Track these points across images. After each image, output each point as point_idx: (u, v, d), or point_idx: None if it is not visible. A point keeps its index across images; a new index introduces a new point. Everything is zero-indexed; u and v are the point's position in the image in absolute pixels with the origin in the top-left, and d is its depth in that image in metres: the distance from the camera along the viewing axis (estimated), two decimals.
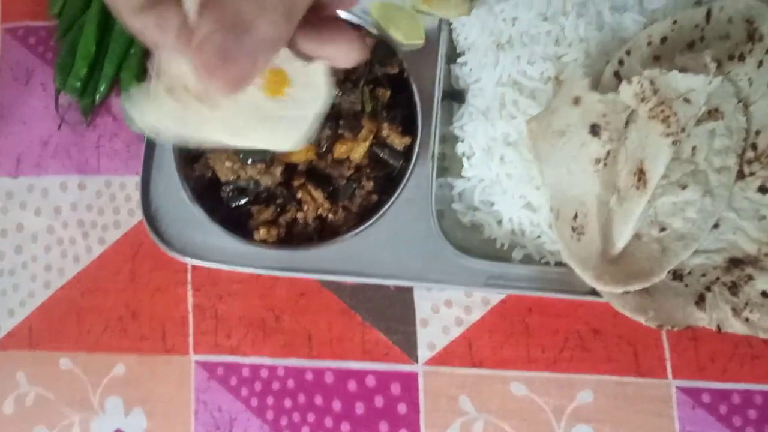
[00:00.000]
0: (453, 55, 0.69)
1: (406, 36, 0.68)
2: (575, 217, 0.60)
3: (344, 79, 0.66)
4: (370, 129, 0.65)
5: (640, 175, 0.57)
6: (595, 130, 0.58)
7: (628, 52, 0.59)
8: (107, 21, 0.76)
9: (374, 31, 0.68)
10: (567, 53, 0.62)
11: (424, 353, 0.68)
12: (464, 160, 0.67)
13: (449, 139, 0.69)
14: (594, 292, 0.60)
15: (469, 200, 0.67)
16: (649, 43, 0.59)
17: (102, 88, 0.76)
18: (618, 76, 0.59)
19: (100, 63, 0.76)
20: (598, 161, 0.59)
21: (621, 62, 0.59)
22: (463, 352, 0.67)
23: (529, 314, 0.67)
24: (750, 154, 0.58)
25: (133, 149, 0.76)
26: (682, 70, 0.57)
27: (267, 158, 0.64)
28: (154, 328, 0.72)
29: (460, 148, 0.68)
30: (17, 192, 0.77)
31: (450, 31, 0.68)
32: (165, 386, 0.71)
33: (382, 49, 0.68)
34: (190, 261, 0.68)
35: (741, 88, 0.58)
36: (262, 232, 0.66)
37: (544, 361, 0.66)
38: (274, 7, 0.33)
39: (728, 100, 0.58)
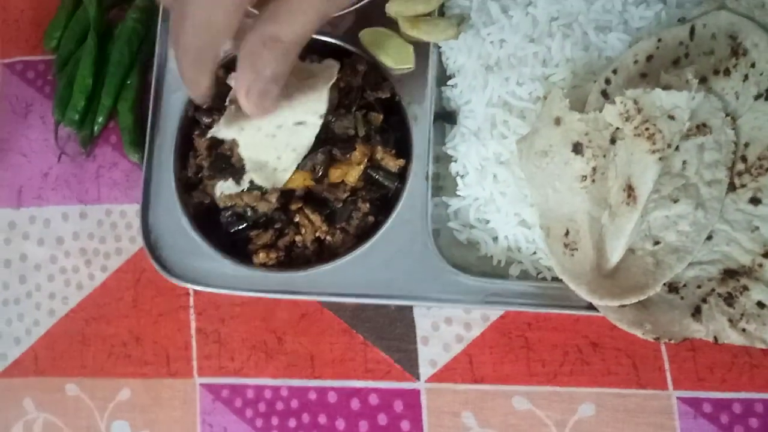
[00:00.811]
0: (443, 78, 0.70)
1: (396, 61, 0.69)
2: (566, 233, 0.61)
3: (338, 104, 0.67)
4: (363, 152, 0.66)
5: (630, 191, 0.58)
6: (577, 148, 0.59)
7: (614, 71, 0.61)
8: (103, 54, 0.78)
9: (365, 57, 0.69)
10: (554, 73, 0.63)
11: (425, 370, 0.68)
12: (458, 179, 0.68)
13: (443, 159, 0.70)
14: (591, 307, 0.60)
15: (464, 218, 0.68)
16: (636, 62, 0.60)
17: (100, 120, 0.77)
18: (605, 95, 0.60)
19: (98, 95, 0.77)
20: (584, 178, 0.60)
21: (608, 81, 0.60)
22: (465, 368, 0.68)
23: (528, 329, 0.67)
24: (740, 166, 0.59)
25: (132, 178, 0.77)
26: (666, 87, 0.58)
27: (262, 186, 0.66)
28: (158, 352, 0.73)
29: (454, 167, 0.68)
30: (20, 223, 0.78)
31: (439, 54, 0.69)
32: (170, 409, 0.72)
33: (374, 74, 0.69)
34: (191, 287, 0.69)
35: (728, 102, 0.59)
36: (261, 256, 0.67)
37: (544, 375, 0.66)
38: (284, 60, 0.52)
39: (716, 114, 0.59)
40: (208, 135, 0.67)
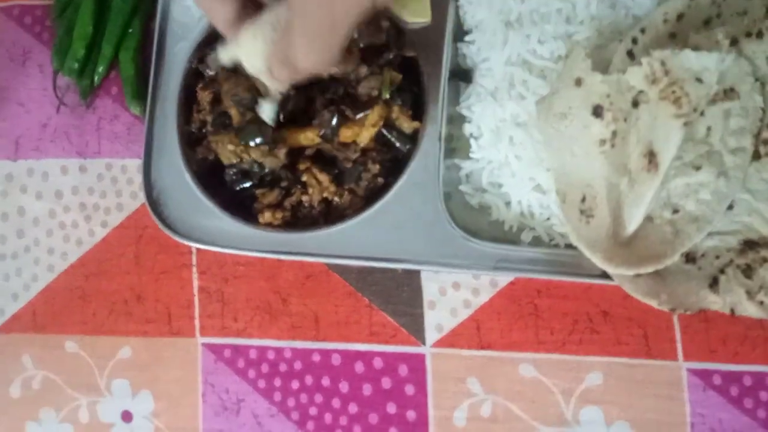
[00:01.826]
0: (460, 33, 0.67)
1: (412, 13, 0.65)
2: (583, 199, 0.59)
3: (369, 62, 0.63)
4: (381, 114, 0.63)
5: (651, 157, 0.56)
6: (597, 111, 0.57)
7: (642, 30, 0.58)
8: (104, 1, 0.74)
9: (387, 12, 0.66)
10: (578, 32, 0.60)
11: (431, 335, 0.67)
12: (472, 141, 0.65)
13: (456, 120, 0.67)
14: (605, 275, 0.59)
15: (477, 182, 0.66)
16: (665, 21, 0.58)
17: (101, 69, 0.74)
18: (631, 56, 0.58)
19: (98, 43, 0.74)
20: (603, 142, 0.57)
21: (635, 41, 0.58)
22: (471, 334, 0.67)
23: (538, 296, 0.66)
24: (766, 134, 0.57)
25: (134, 131, 0.74)
26: (695, 48, 0.55)
27: (269, 140, 0.63)
28: (159, 311, 0.71)
29: (468, 128, 0.66)
30: (17, 175, 0.76)
31: (456, 8, 0.66)
32: (172, 369, 0.71)
33: (395, 31, 0.66)
34: (194, 245, 0.67)
35: (758, 66, 0.56)
36: (266, 215, 0.65)
37: (553, 344, 0.65)
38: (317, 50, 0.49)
39: (744, 79, 0.56)
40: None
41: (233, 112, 0.64)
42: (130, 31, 0.74)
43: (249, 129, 0.63)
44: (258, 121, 0.63)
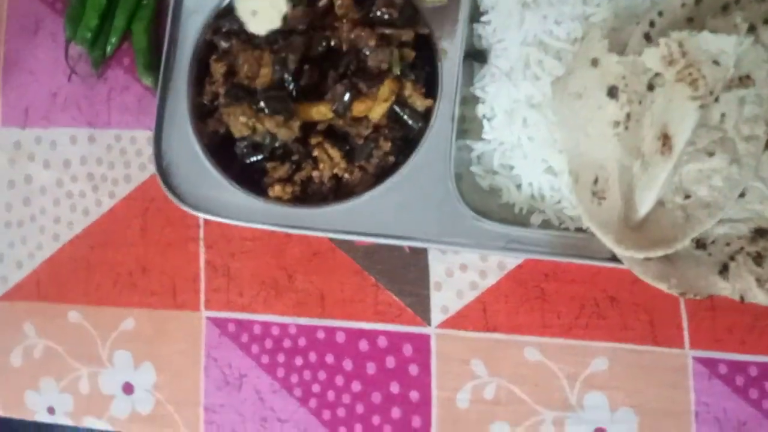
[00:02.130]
0: (476, 14, 0.67)
1: None
2: (596, 181, 0.59)
3: (380, 35, 0.63)
4: (392, 89, 0.63)
5: (665, 140, 0.55)
6: (612, 92, 0.57)
7: (660, 14, 0.57)
8: None
9: None
10: (595, 13, 0.60)
11: (437, 316, 0.67)
12: (485, 122, 0.65)
13: (469, 101, 0.67)
14: (614, 259, 0.58)
15: (488, 163, 0.66)
16: (683, 5, 0.57)
17: (113, 40, 0.74)
18: (648, 38, 0.57)
19: (112, 14, 0.74)
20: (617, 124, 0.57)
21: (652, 24, 0.57)
22: (477, 316, 0.66)
23: (545, 280, 0.66)
24: None
25: (144, 103, 0.74)
26: (712, 31, 0.55)
27: (290, 109, 0.62)
28: (164, 283, 0.71)
29: (481, 109, 0.66)
30: (25, 143, 0.76)
31: None
32: (175, 342, 0.70)
33: (409, 8, 0.65)
34: (203, 216, 0.67)
35: None
36: (276, 189, 0.65)
37: (559, 328, 0.65)
38: None
39: (761, 66, 0.56)
40: None
41: (264, 71, 0.63)
42: (144, 2, 0.74)
43: (273, 98, 0.63)
44: (278, 91, 0.63)
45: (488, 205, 0.66)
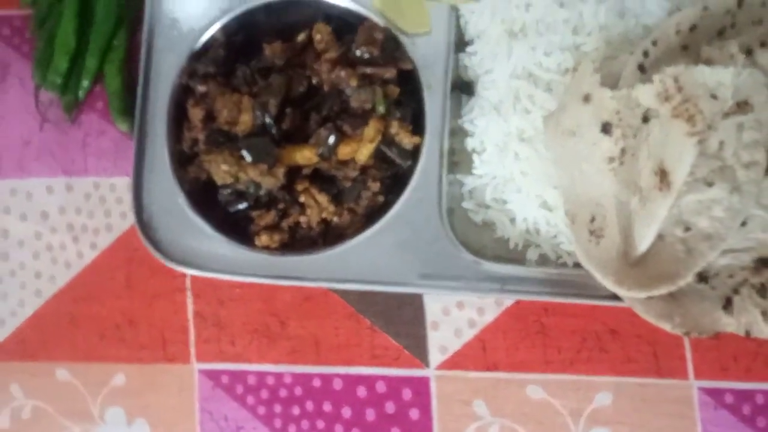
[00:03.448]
0: (461, 44, 0.64)
1: (411, 24, 0.63)
2: (592, 219, 0.57)
3: (361, 74, 0.61)
4: (378, 129, 0.61)
5: (663, 175, 0.54)
6: (606, 128, 0.55)
7: (654, 43, 0.55)
8: (87, 8, 0.71)
9: (380, 22, 0.63)
10: (586, 42, 0.58)
11: (435, 357, 0.65)
12: (474, 156, 0.63)
13: (458, 133, 0.65)
14: (614, 297, 0.57)
15: (480, 198, 0.64)
16: (678, 32, 0.55)
17: (85, 84, 0.71)
18: (642, 69, 0.55)
19: (82, 56, 0.71)
20: (612, 160, 0.56)
21: (646, 54, 0.55)
22: (477, 355, 0.65)
23: (544, 314, 0.64)
24: None
25: (122, 147, 0.71)
26: (708, 62, 0.53)
27: (273, 157, 0.60)
28: (153, 336, 0.69)
29: (470, 143, 0.64)
30: (0, 196, 0.73)
31: (458, 18, 0.64)
32: (167, 396, 0.68)
33: (391, 43, 0.63)
34: (188, 271, 0.64)
35: None
36: (263, 238, 0.63)
37: (560, 363, 0.64)
38: None
39: (759, 90, 0.54)
40: None
41: (244, 118, 0.61)
42: (115, 43, 0.71)
43: (256, 145, 0.61)
44: (260, 137, 0.61)
45: (482, 240, 0.64)
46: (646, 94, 0.52)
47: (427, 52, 0.63)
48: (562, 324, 0.64)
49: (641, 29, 0.58)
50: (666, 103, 0.52)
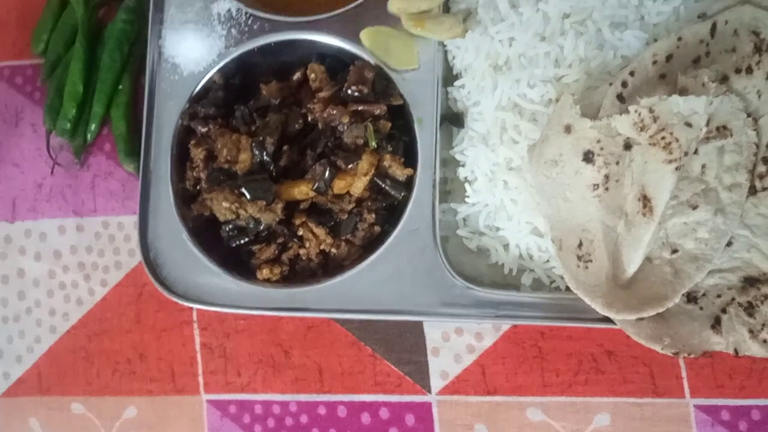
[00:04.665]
0: (449, 77, 0.67)
1: (399, 61, 0.65)
2: (580, 245, 0.59)
3: (353, 112, 0.64)
4: (371, 163, 0.63)
5: (645, 201, 0.55)
6: (588, 156, 0.57)
7: (632, 73, 0.57)
8: (93, 57, 0.74)
9: (371, 61, 0.66)
10: (567, 74, 0.60)
11: (437, 383, 0.67)
12: (466, 185, 0.65)
13: (450, 163, 0.67)
14: (607, 319, 0.58)
15: (474, 225, 0.66)
16: (654, 62, 0.57)
17: (93, 128, 0.74)
18: (621, 99, 0.57)
19: (89, 102, 0.74)
20: (596, 186, 0.57)
21: (624, 84, 0.57)
22: (477, 379, 0.66)
23: (541, 338, 0.66)
24: (761, 168, 0.56)
25: (129, 188, 0.74)
26: (683, 91, 0.55)
27: (271, 195, 0.63)
28: (162, 369, 0.71)
29: (462, 172, 0.66)
30: (15, 237, 0.76)
31: (445, 53, 0.66)
32: (178, 427, 0.71)
33: (382, 80, 0.65)
34: (194, 306, 0.67)
35: (750, 101, 0.56)
36: (265, 272, 0.65)
37: (559, 386, 0.65)
38: None
39: (737, 115, 0.56)
40: None
41: (243, 157, 0.64)
42: (120, 87, 0.74)
43: (254, 183, 0.63)
44: (258, 175, 0.63)
45: (477, 266, 0.66)
46: (623, 124, 0.54)
47: (416, 88, 0.66)
48: (559, 347, 0.65)
49: (620, 60, 0.59)
50: (643, 132, 0.54)
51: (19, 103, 0.79)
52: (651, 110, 0.53)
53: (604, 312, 0.57)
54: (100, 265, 0.74)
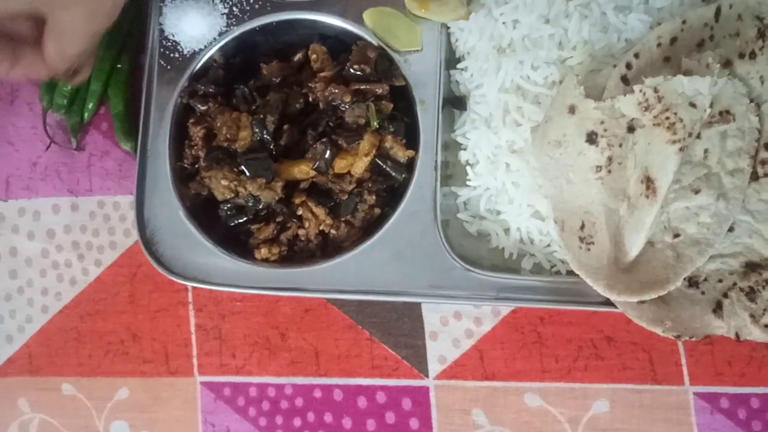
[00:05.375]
0: (452, 60, 0.66)
1: (402, 43, 0.65)
2: (582, 227, 0.58)
3: (354, 91, 0.63)
4: (372, 143, 0.63)
5: (649, 183, 0.55)
6: (591, 137, 0.56)
7: (636, 55, 0.57)
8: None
9: (374, 41, 0.65)
10: (571, 56, 0.60)
11: (434, 367, 0.66)
12: (468, 168, 0.65)
13: (452, 146, 0.67)
14: (608, 303, 0.58)
15: (474, 209, 0.65)
16: (659, 45, 0.57)
17: (90, 106, 0.73)
18: (626, 81, 0.57)
19: (87, 80, 0.73)
20: (599, 168, 0.57)
21: (629, 66, 0.57)
22: (475, 364, 0.66)
23: (541, 324, 0.65)
24: (764, 154, 0.56)
25: (125, 167, 0.73)
26: (687, 73, 0.55)
27: (271, 172, 0.62)
28: (156, 350, 0.70)
29: (464, 156, 0.65)
30: (8, 215, 0.75)
31: (448, 35, 0.66)
32: (171, 409, 0.69)
33: (384, 61, 0.65)
34: (190, 284, 0.66)
35: (753, 87, 0.56)
36: (263, 251, 0.64)
37: (558, 372, 0.64)
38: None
39: (739, 100, 0.56)
40: None
41: (243, 134, 0.63)
42: (119, 66, 0.73)
43: (254, 161, 0.62)
44: (258, 153, 0.63)
45: (477, 250, 0.66)
46: (628, 105, 0.54)
47: (419, 69, 0.65)
48: (558, 333, 0.65)
49: (624, 43, 0.59)
50: (647, 112, 0.53)
51: (16, 81, 0.78)
52: (656, 90, 0.53)
53: (605, 294, 0.57)
54: (95, 244, 0.73)
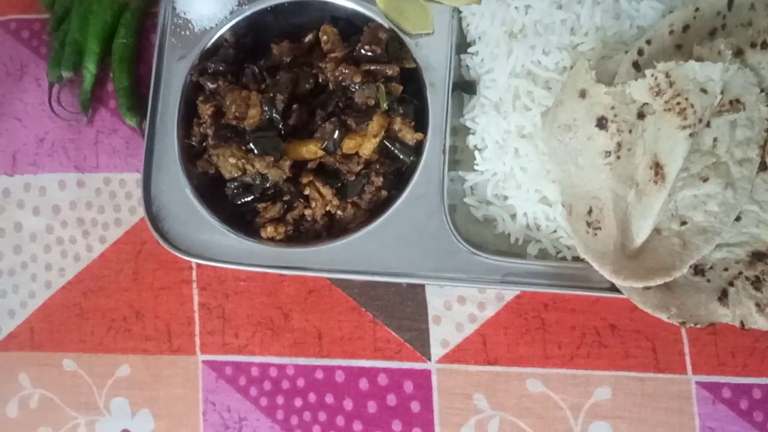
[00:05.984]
0: (463, 45, 0.66)
1: (414, 25, 0.65)
2: (590, 212, 0.58)
3: (365, 71, 0.63)
4: (381, 124, 0.63)
5: (658, 169, 0.55)
6: (602, 122, 0.56)
7: (648, 42, 0.57)
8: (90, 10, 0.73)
9: (385, 24, 0.65)
10: (583, 42, 0.60)
11: (437, 351, 0.66)
12: (476, 153, 0.65)
13: (460, 131, 0.67)
14: (614, 289, 0.58)
15: (481, 194, 0.65)
16: (671, 32, 0.57)
17: (90, 67, 0.72)
18: (637, 67, 0.57)
19: (85, 44, 0.72)
20: (607, 153, 0.57)
21: (641, 52, 0.57)
22: (478, 349, 0.66)
23: (544, 310, 0.65)
24: None
25: (132, 145, 0.73)
26: (698, 60, 0.55)
27: (280, 150, 0.62)
28: (159, 328, 0.70)
29: (472, 140, 0.65)
30: (14, 190, 0.75)
31: (459, 20, 0.66)
32: (172, 387, 0.69)
33: (396, 43, 0.65)
34: (195, 261, 0.66)
35: (763, 77, 0.56)
36: (269, 230, 0.64)
37: (560, 358, 0.64)
38: None
39: (750, 90, 0.56)
40: None
41: (252, 113, 0.63)
42: (123, 41, 0.73)
43: (263, 139, 0.62)
44: (267, 131, 0.63)
45: (483, 235, 0.66)
46: (639, 89, 0.54)
47: (429, 53, 0.65)
48: (562, 320, 0.65)
49: (636, 30, 0.59)
50: (658, 97, 0.54)
51: (25, 56, 0.78)
52: (667, 75, 0.53)
53: (611, 279, 0.57)
54: (100, 221, 0.73)
